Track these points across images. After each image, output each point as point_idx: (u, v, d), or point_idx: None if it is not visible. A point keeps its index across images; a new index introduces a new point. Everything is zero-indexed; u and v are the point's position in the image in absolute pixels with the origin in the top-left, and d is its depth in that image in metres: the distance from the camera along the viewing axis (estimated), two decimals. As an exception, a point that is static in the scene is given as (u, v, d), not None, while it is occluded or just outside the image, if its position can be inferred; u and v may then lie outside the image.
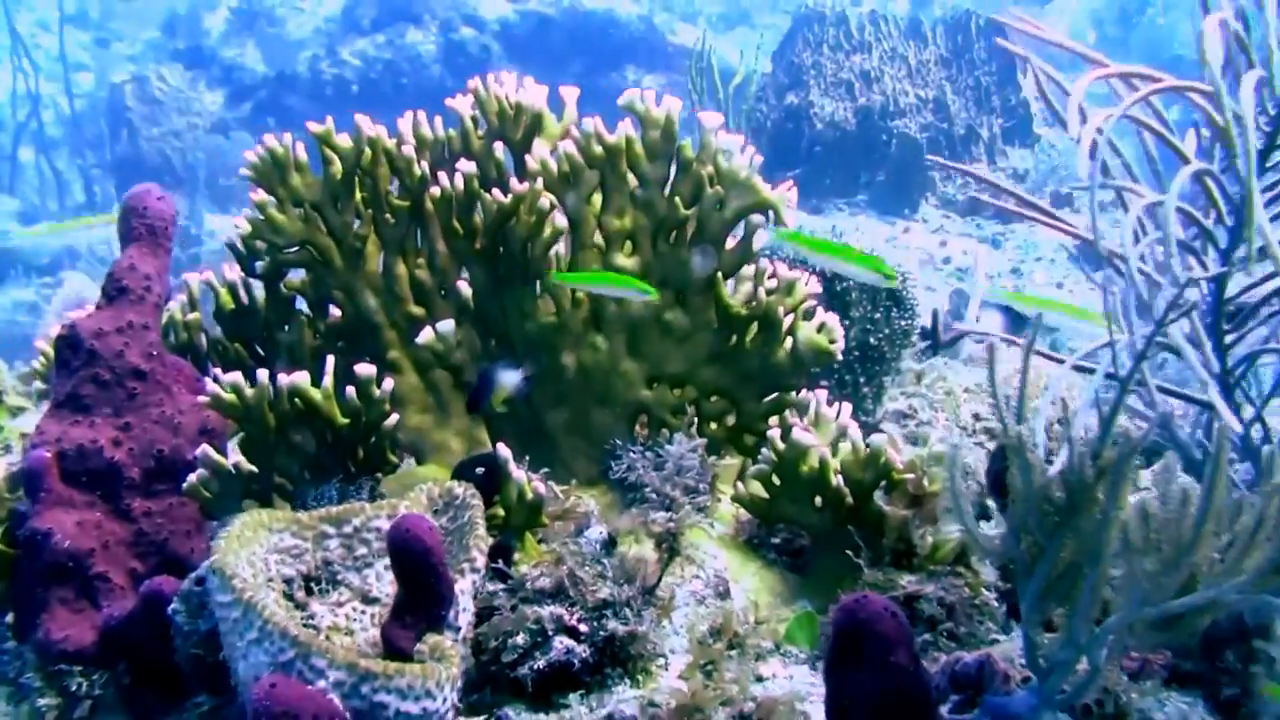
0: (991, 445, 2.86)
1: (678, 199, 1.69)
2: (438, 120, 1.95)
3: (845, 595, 1.27)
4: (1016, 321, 3.40)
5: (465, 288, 1.82)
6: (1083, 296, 6.09)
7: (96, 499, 1.75)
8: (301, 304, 2.03)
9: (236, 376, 1.60)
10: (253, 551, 1.47)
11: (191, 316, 2.07)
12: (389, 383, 1.63)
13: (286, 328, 2.01)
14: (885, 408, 2.74)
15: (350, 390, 1.62)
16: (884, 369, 2.77)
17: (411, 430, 1.88)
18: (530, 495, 1.54)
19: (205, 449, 1.68)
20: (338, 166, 1.86)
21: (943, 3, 10.98)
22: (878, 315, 2.94)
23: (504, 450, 1.56)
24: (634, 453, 1.72)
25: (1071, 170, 7.75)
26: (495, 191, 1.67)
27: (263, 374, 1.61)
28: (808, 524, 1.66)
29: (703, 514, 1.63)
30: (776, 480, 1.65)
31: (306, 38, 10.26)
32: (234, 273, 2.04)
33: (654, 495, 1.59)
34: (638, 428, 1.79)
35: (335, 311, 1.97)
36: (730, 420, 1.79)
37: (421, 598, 1.38)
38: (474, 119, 1.90)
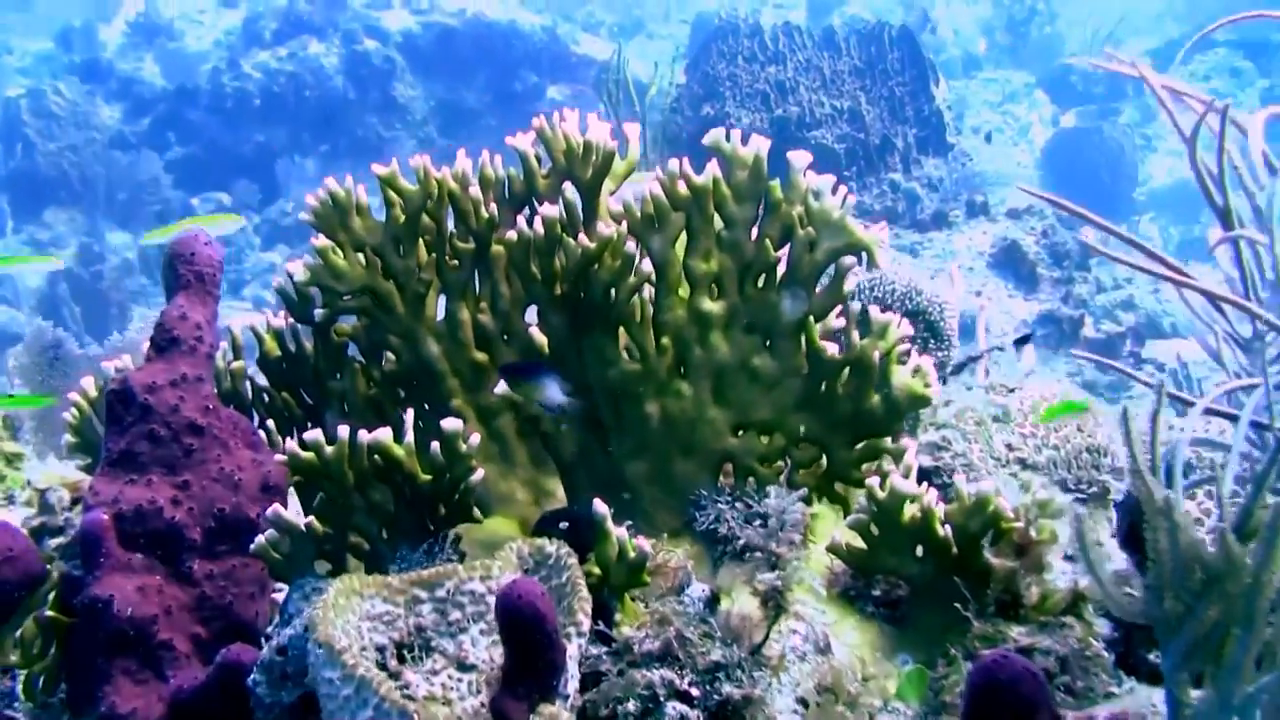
0: (1026, 476, 2.85)
1: (767, 241, 1.67)
2: (498, 159, 1.92)
3: (986, 654, 1.25)
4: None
5: (538, 334, 1.79)
6: (1001, 304, 6.19)
7: (156, 562, 1.70)
8: (352, 350, 1.99)
9: (318, 434, 1.56)
10: (347, 620, 1.43)
11: (235, 365, 2.02)
12: (475, 437, 1.59)
13: (338, 376, 1.97)
14: (919, 439, 2.73)
15: (435, 446, 1.58)
16: (921, 401, 2.77)
17: (476, 481, 1.84)
18: (633, 553, 1.51)
19: (276, 509, 1.64)
20: (399, 209, 1.82)
21: (841, 12, 11.13)
22: (915, 346, 2.95)
23: (601, 507, 1.53)
24: (722, 503, 1.69)
25: (985, 178, 7.86)
26: (582, 236, 1.65)
27: (343, 431, 1.57)
28: (908, 575, 1.64)
29: (802, 566, 1.61)
30: (875, 530, 1.63)
31: (206, 50, 10.27)
32: (280, 319, 2.00)
33: (759, 553, 1.56)
34: (722, 477, 1.76)
35: (390, 359, 1.94)
36: (819, 468, 1.77)
37: (534, 666, 1.35)
38: (538, 157, 1.87)
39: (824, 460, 1.75)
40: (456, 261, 1.86)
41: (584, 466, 1.78)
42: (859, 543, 1.65)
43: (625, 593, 1.55)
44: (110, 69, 10.05)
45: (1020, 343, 3.39)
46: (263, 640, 1.77)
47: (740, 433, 1.75)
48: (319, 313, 1.88)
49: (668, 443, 1.74)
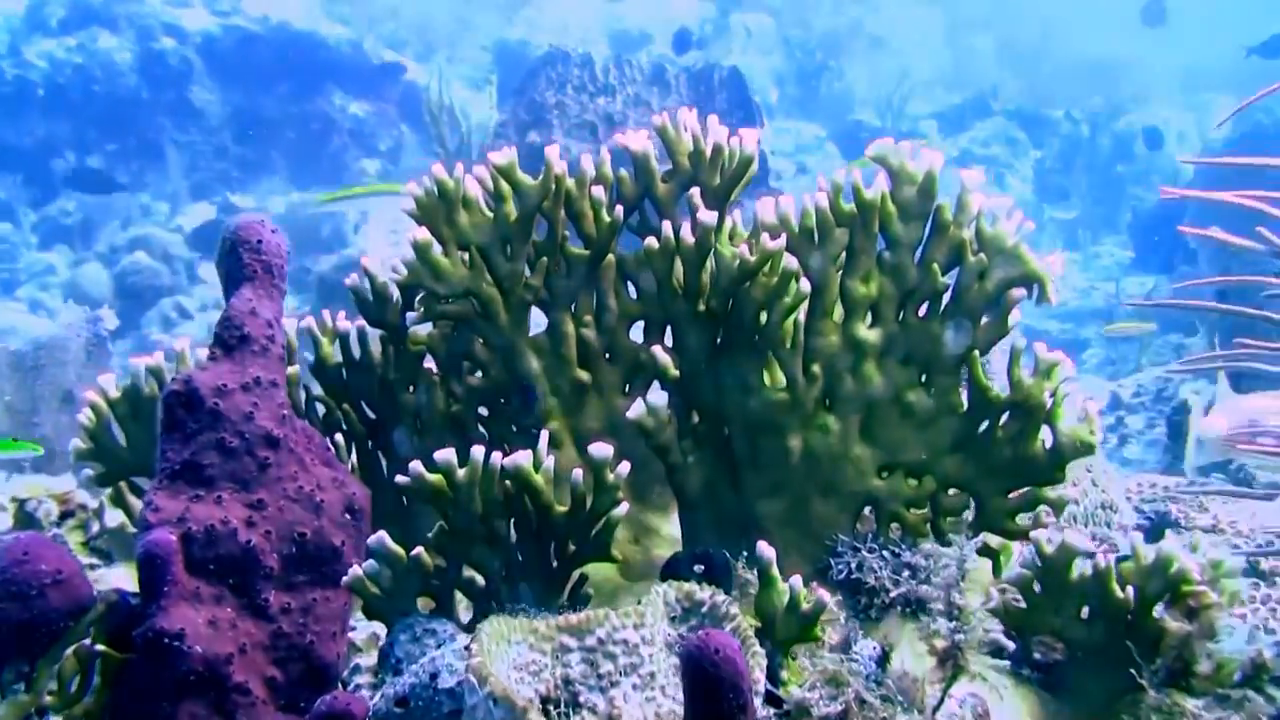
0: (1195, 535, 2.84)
1: (934, 266, 1.59)
2: (605, 155, 1.80)
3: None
4: None
5: (661, 355, 1.67)
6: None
7: (226, 592, 1.54)
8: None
9: (450, 455, 1.42)
10: (498, 669, 1.29)
11: (290, 370, 1.86)
12: (625, 466, 1.47)
13: (412, 389, 1.83)
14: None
15: (576, 474, 1.45)
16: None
17: (572, 515, 1.71)
18: (806, 605, 1.40)
19: (382, 536, 1.49)
20: (512, 206, 1.69)
21: (649, 50, 11.43)
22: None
23: (767, 550, 1.42)
24: (866, 551, 1.60)
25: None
26: (742, 248, 1.54)
27: (477, 452, 1.43)
28: (1071, 638, 1.56)
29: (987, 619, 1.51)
30: (1038, 587, 1.55)
31: (-16, 32, 9.86)
32: (346, 321, 1.85)
33: (936, 605, 1.47)
34: (858, 524, 1.67)
35: (475, 372, 1.80)
36: (967, 516, 1.68)
37: (723, 731, 1.23)
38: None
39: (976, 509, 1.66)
40: (567, 270, 1.74)
41: (709, 503, 1.67)
42: (1019, 600, 1.57)
43: (790, 648, 1.44)
44: None
45: None
46: (342, 684, 1.61)
47: (885, 474, 1.65)
48: (411, 316, 1.73)
49: (807, 481, 1.63)
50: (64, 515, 2.16)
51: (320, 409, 1.87)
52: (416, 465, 1.43)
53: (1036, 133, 12.71)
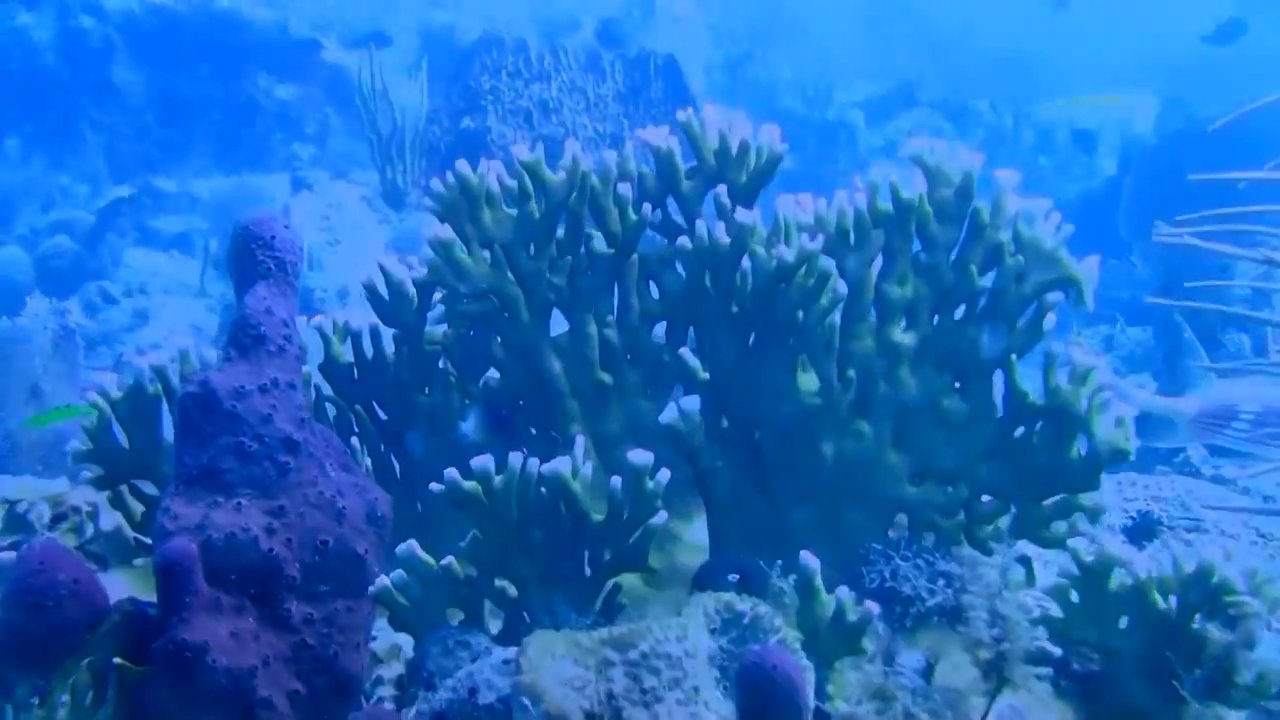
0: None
1: (971, 268, 1.57)
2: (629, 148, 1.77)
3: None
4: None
5: (690, 357, 1.65)
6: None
7: (247, 602, 1.49)
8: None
9: (487, 461, 1.39)
10: (549, 685, 1.26)
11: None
12: (665, 472, 1.44)
13: (427, 390, 1.79)
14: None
15: (615, 481, 1.42)
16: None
17: (594, 521, 1.69)
18: (853, 615, 1.38)
19: (411, 545, 1.46)
20: (535, 204, 1.66)
21: (578, 36, 11.40)
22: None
23: (811, 560, 1.40)
24: (900, 559, 1.58)
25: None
26: (781, 248, 1.51)
27: (515, 459, 1.40)
28: (1109, 648, 1.55)
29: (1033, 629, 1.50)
30: (1075, 597, 1.54)
31: (-111, 7, 9.66)
32: (360, 319, 1.81)
33: (978, 613, 1.45)
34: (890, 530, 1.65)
35: (493, 373, 1.77)
36: (1001, 524, 1.66)
37: (779, 748, 1.21)
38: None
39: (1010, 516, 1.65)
40: (592, 268, 1.71)
41: (737, 510, 1.65)
42: (1055, 610, 1.56)
43: (834, 660, 1.42)
44: None
45: None
46: (365, 698, 1.58)
47: (918, 481, 1.63)
48: (431, 315, 1.70)
49: (839, 489, 1.62)
50: (56, 518, 2.09)
51: (330, 409, 1.83)
52: (452, 472, 1.40)
53: (961, 123, 12.72)
